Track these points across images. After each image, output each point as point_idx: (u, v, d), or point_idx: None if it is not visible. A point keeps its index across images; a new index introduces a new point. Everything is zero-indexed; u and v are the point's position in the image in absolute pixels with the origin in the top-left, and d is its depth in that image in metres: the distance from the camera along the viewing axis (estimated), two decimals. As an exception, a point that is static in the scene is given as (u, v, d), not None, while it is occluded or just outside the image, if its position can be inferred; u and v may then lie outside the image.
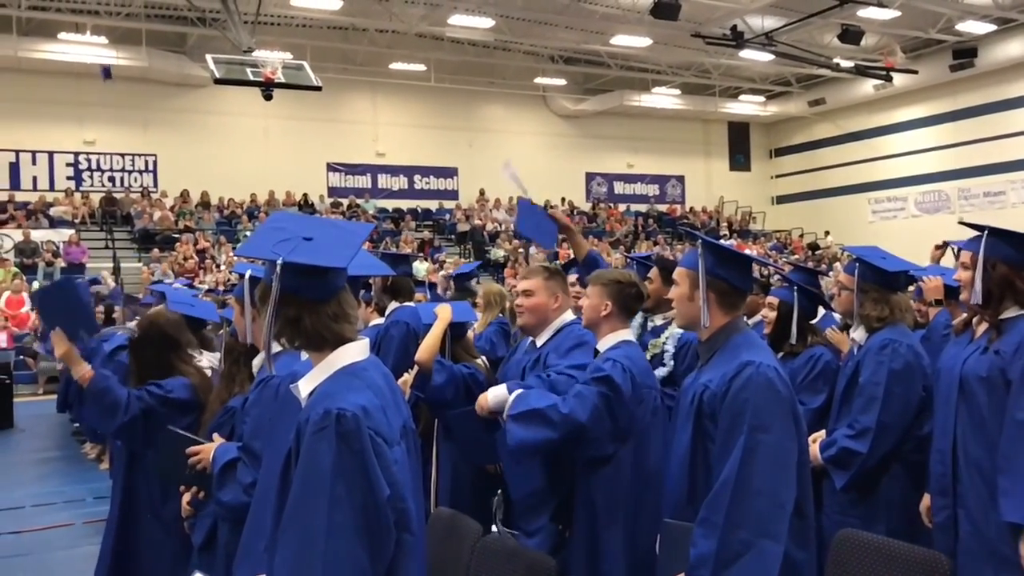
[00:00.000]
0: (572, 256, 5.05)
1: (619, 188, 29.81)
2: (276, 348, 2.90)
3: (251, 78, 15.77)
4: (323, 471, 1.99)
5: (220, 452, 3.06)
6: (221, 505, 2.99)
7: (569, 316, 3.82)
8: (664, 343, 4.07)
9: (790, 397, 2.67)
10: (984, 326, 3.22)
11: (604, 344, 3.40)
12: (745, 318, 3.41)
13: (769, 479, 2.53)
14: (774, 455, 2.55)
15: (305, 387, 2.19)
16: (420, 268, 19.66)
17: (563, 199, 26.86)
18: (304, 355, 2.27)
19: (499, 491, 3.52)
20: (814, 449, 3.74)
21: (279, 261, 2.09)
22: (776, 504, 2.52)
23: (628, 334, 3.45)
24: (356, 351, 2.21)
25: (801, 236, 28.79)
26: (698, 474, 2.72)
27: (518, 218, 5.04)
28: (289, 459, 2.15)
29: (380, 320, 5.45)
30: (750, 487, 2.51)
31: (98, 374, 3.79)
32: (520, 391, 3.32)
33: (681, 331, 4.05)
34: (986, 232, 3.13)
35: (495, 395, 3.42)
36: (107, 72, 15.50)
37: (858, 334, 3.94)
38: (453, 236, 24.94)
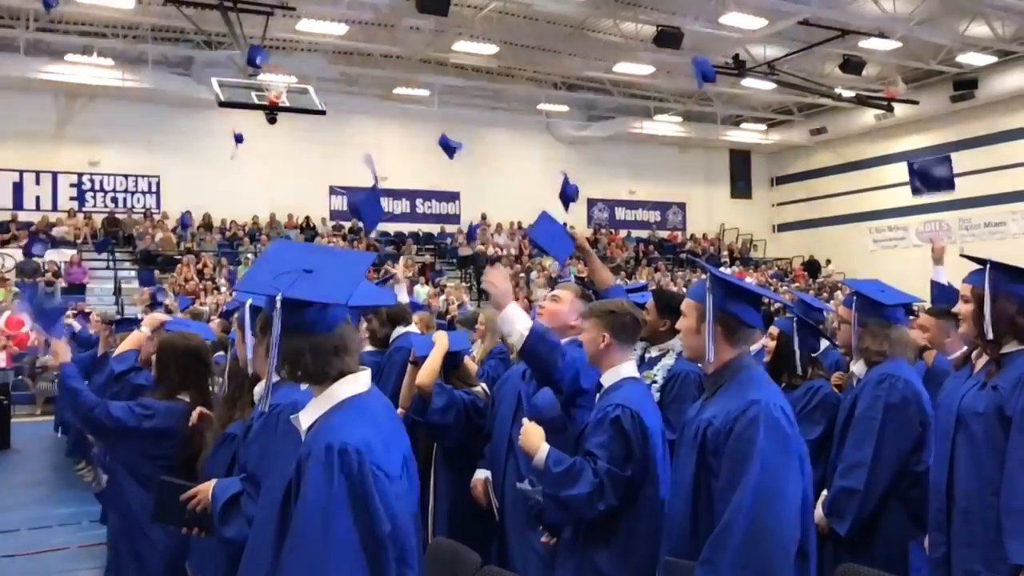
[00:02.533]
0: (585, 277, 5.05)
1: (620, 214, 29.84)
2: (275, 377, 2.88)
3: (255, 101, 15.83)
4: (325, 506, 1.97)
5: (220, 489, 2.96)
6: (226, 541, 2.90)
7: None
8: (656, 375, 4.05)
9: (796, 436, 2.62)
10: (984, 360, 3.18)
11: (607, 379, 3.28)
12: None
13: (773, 519, 2.48)
14: (779, 495, 2.50)
15: (305, 419, 2.17)
16: (421, 292, 19.69)
17: (564, 224, 26.75)
18: (304, 384, 2.24)
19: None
20: (818, 511, 3.63)
21: (279, 297, 2.07)
22: (780, 545, 2.48)
23: (631, 368, 3.32)
24: (357, 383, 2.19)
25: (803, 265, 28.79)
26: (700, 510, 2.66)
27: (534, 226, 4.99)
28: (289, 491, 2.13)
29: (369, 348, 5.43)
30: (754, 527, 2.46)
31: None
32: (551, 453, 3.14)
33: (672, 363, 4.03)
34: (988, 266, 3.11)
35: None
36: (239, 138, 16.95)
37: (857, 368, 3.92)
38: (455, 260, 24.93)
